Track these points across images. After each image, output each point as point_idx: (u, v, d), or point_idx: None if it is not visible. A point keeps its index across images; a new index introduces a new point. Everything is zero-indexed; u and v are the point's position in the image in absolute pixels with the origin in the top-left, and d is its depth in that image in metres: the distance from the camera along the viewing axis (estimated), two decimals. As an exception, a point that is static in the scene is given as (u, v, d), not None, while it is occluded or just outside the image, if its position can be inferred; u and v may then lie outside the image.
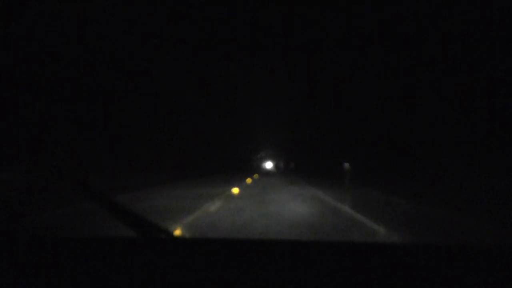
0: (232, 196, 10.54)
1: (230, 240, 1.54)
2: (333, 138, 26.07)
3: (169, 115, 24.99)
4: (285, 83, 32.29)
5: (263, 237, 4.49)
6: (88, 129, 14.80)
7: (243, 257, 1.30)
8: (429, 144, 12.72)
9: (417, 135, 13.59)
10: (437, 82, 12.19)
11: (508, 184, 7.98)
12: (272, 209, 7.16)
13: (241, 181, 18.88)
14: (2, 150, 10.16)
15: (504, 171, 8.57)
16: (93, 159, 13.97)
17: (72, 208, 7.42)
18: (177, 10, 18.13)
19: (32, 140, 11.52)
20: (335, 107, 24.19)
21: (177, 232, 4.84)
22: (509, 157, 8.73)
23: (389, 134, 15.96)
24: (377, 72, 16.67)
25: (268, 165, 63.00)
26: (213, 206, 7.67)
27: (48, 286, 1.05)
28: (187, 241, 1.56)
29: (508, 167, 8.50)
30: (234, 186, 14.75)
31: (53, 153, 12.00)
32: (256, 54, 26.76)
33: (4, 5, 10.56)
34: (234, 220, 5.70)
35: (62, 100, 13.33)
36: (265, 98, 41.26)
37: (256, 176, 27.68)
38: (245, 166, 45.85)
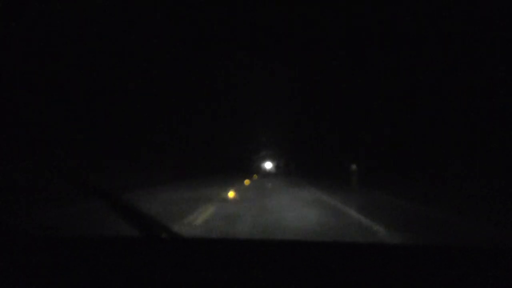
0: (228, 200, 9.61)
1: (231, 240, 1.54)
2: (333, 138, 26.04)
3: (169, 115, 24.99)
4: (285, 83, 32.27)
5: (264, 237, 4.48)
6: (88, 129, 14.79)
7: (243, 257, 1.30)
8: (431, 144, 12.59)
9: (418, 135, 13.49)
10: (437, 82, 12.18)
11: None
12: (273, 219, 6.09)
13: (239, 182, 18.32)
14: (2, 150, 10.16)
15: (505, 171, 8.54)
16: (93, 159, 13.96)
17: (73, 208, 7.42)
18: (177, 10, 18.13)
19: (32, 140, 11.51)
20: (335, 107, 24.18)
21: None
22: (509, 157, 8.72)
23: (391, 134, 15.88)
24: (377, 72, 16.67)
25: (268, 165, 62.74)
26: (204, 214, 6.75)
27: (49, 286, 1.05)
28: (187, 241, 1.56)
29: (508, 167, 8.48)
30: (231, 188, 13.92)
31: (53, 153, 12.00)
32: (256, 54, 26.74)
33: (4, 5, 10.55)
34: (227, 235, 4.84)
35: (62, 100, 13.32)
36: (265, 98, 41.22)
37: (255, 177, 27.14)
38: (244, 166, 45.79)
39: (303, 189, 13.63)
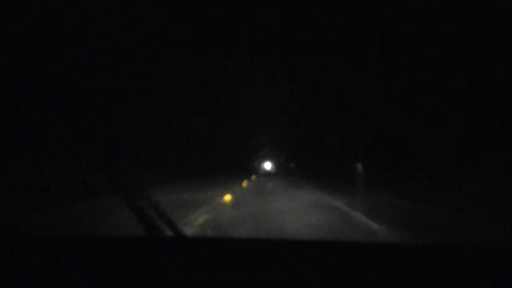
0: (226, 204, 8.78)
1: (232, 240, 1.53)
2: (333, 138, 26.01)
3: (169, 115, 24.98)
4: (285, 83, 32.25)
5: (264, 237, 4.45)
6: (87, 129, 14.79)
7: (244, 257, 1.30)
8: (433, 144, 12.39)
9: (420, 135, 13.35)
10: (437, 82, 12.18)
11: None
12: (275, 228, 5.49)
13: (239, 183, 17.81)
14: (2, 150, 10.16)
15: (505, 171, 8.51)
16: (92, 158, 13.95)
17: (72, 208, 7.41)
18: (177, 10, 18.11)
19: (32, 140, 11.51)
20: (335, 107, 24.17)
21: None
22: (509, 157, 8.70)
23: (392, 133, 15.77)
24: (377, 72, 16.66)
25: (267, 165, 62.42)
26: (199, 219, 6.16)
27: (49, 286, 1.05)
28: (189, 241, 1.56)
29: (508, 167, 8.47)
30: (230, 189, 12.96)
31: (53, 153, 12.00)
32: (256, 54, 26.72)
33: (4, 5, 10.55)
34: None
35: (61, 100, 13.32)
36: (265, 98, 41.20)
37: (254, 177, 26.34)
38: (244, 166, 45.75)
39: (305, 191, 12.93)
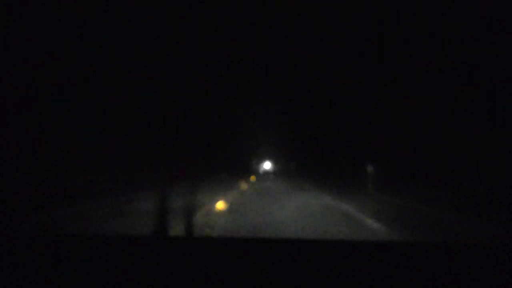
0: (218, 212, 7.44)
1: (232, 240, 1.53)
2: (335, 138, 25.95)
3: (169, 115, 24.97)
4: (285, 83, 32.28)
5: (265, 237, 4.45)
6: (87, 130, 14.78)
7: (244, 256, 1.30)
8: (442, 144, 11.88)
9: (426, 134, 12.95)
10: (438, 82, 12.15)
11: None
12: None
13: (237, 184, 16.53)
14: (2, 150, 10.15)
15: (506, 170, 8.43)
16: (93, 159, 13.95)
17: (72, 208, 7.40)
18: (177, 10, 18.12)
19: (31, 141, 11.50)
20: (336, 107, 24.17)
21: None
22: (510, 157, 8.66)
23: (396, 133, 15.56)
24: (381, 71, 16.65)
25: (267, 165, 62.12)
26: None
27: (49, 286, 1.05)
28: (189, 241, 1.55)
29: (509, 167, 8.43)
30: (225, 192, 11.58)
31: (54, 154, 12.00)
32: (256, 54, 26.74)
33: (4, 5, 10.55)
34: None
35: (61, 100, 13.32)
36: (265, 98, 41.24)
37: (253, 178, 24.90)
38: (244, 167, 45.69)
39: (309, 193, 11.66)
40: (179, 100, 26.03)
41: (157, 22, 17.69)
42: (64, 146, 12.77)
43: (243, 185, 15.45)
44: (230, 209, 7.95)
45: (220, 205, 8.69)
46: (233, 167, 40.47)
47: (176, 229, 4.00)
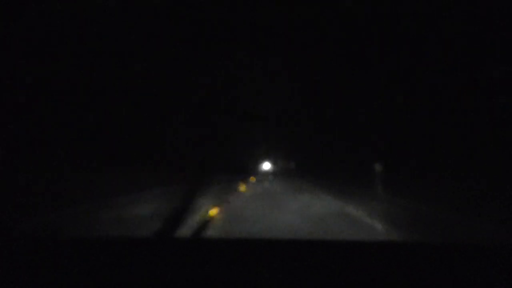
0: (217, 218, 6.74)
1: (232, 240, 1.53)
2: (335, 138, 25.89)
3: (169, 115, 24.96)
4: (285, 83, 32.28)
5: (266, 237, 4.42)
6: (87, 130, 14.78)
7: (245, 256, 1.30)
8: (451, 142, 11.35)
9: (430, 132, 12.65)
10: (440, 82, 12.11)
11: None
12: None
13: (235, 186, 15.60)
14: (2, 150, 10.15)
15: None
16: (92, 159, 13.94)
17: (72, 209, 7.39)
18: (177, 10, 18.11)
19: (31, 141, 11.50)
20: (337, 107, 24.15)
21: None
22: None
23: (399, 131, 15.34)
24: (379, 71, 16.64)
25: (266, 165, 61.72)
26: None
27: (49, 287, 1.04)
28: (189, 241, 1.55)
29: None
30: (222, 195, 10.55)
31: (54, 154, 11.99)
32: (256, 54, 26.73)
33: (4, 5, 10.54)
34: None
35: (61, 101, 13.31)
36: (265, 98, 41.22)
37: (252, 179, 23.51)
38: (243, 167, 45.62)
39: (314, 196, 10.80)
40: (178, 100, 26.01)
41: (157, 22, 17.68)
42: (64, 146, 12.76)
43: (243, 188, 13.86)
44: (225, 216, 7.18)
45: (214, 211, 7.76)
46: (233, 168, 40.44)
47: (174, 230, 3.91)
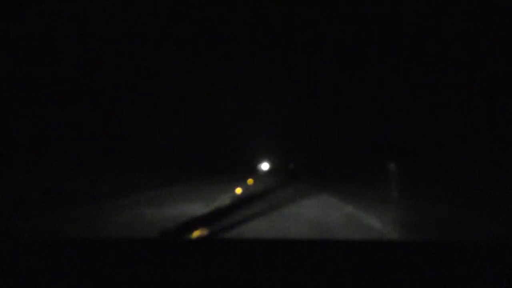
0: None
1: (232, 240, 1.53)
2: (336, 138, 25.87)
3: (168, 115, 25.01)
4: (285, 83, 32.35)
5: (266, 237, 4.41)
6: (86, 130, 14.78)
7: (245, 257, 1.30)
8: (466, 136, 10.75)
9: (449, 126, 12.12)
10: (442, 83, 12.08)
11: None
12: None
13: (231, 189, 13.78)
14: (2, 151, 10.15)
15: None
16: (92, 160, 13.94)
17: (72, 212, 7.40)
18: (177, 10, 18.14)
19: (31, 141, 11.51)
20: (335, 107, 24.19)
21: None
22: None
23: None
24: (377, 71, 16.66)
25: (265, 166, 61.22)
26: None
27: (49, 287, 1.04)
28: (189, 241, 1.55)
29: None
30: (216, 199, 9.18)
31: (54, 155, 12.00)
32: (256, 54, 26.81)
33: (4, 5, 10.55)
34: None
35: (61, 101, 13.31)
36: (265, 98, 41.36)
37: (250, 181, 20.62)
38: (242, 167, 45.56)
39: (319, 199, 9.25)
40: (178, 100, 26.07)
41: (157, 22, 17.72)
42: (64, 147, 12.78)
43: (238, 191, 13.00)
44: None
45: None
46: (232, 168, 40.45)
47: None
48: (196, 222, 5.84)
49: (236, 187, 13.83)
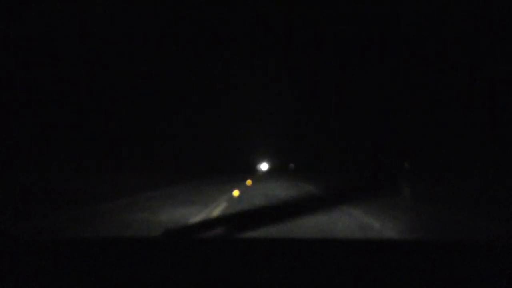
0: None
1: (232, 240, 1.53)
2: (336, 137, 25.86)
3: (168, 115, 25.01)
4: (285, 83, 32.36)
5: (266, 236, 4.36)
6: (86, 130, 14.78)
7: (245, 256, 1.30)
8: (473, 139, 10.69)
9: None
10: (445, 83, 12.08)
11: None
12: None
13: (228, 191, 13.20)
14: (2, 151, 10.15)
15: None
16: (92, 160, 13.94)
17: (72, 212, 7.40)
18: (177, 10, 18.15)
19: (31, 142, 11.51)
20: (335, 107, 24.19)
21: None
22: None
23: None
24: (377, 71, 16.66)
25: (264, 166, 60.85)
26: None
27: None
28: (189, 241, 1.55)
29: None
30: (212, 202, 9.04)
31: (54, 155, 12.00)
32: (256, 54, 26.82)
33: (4, 5, 10.55)
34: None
35: (61, 101, 13.31)
36: (265, 98, 41.36)
37: (249, 182, 19.51)
38: (241, 167, 45.46)
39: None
40: (178, 100, 26.05)
41: (157, 22, 17.72)
42: (64, 147, 12.78)
43: (236, 193, 11.83)
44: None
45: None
46: (231, 168, 40.39)
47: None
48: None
49: (234, 189, 13.19)
